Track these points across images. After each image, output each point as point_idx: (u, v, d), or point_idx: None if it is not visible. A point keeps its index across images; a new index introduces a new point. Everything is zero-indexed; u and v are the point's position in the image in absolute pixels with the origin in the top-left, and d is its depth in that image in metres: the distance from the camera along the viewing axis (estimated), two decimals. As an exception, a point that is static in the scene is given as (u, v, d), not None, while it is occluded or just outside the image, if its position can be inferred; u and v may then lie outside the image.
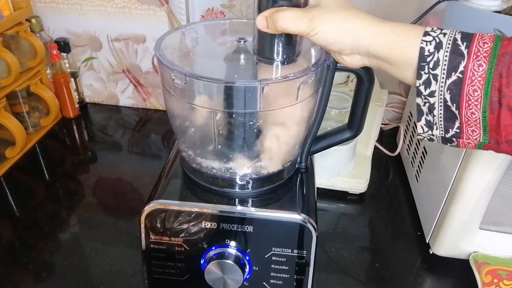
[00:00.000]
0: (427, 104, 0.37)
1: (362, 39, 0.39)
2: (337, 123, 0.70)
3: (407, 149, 0.82)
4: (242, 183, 0.51)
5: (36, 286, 0.58)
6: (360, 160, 0.77)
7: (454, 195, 0.57)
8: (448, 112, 0.36)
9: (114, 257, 0.62)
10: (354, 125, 0.53)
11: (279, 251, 0.50)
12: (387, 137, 0.92)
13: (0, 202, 0.72)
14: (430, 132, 0.39)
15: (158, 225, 0.50)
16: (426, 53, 0.36)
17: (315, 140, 0.54)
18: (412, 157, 0.78)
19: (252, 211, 0.49)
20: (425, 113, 0.38)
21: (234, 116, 0.46)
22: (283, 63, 0.45)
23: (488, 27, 0.54)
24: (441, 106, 0.37)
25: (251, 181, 0.51)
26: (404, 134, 0.85)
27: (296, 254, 0.50)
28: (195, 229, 0.50)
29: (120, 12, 0.87)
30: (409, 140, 0.81)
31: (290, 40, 0.44)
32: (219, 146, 0.49)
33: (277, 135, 0.48)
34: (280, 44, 0.43)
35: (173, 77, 0.44)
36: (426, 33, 0.36)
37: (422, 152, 0.72)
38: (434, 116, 0.37)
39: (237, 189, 0.51)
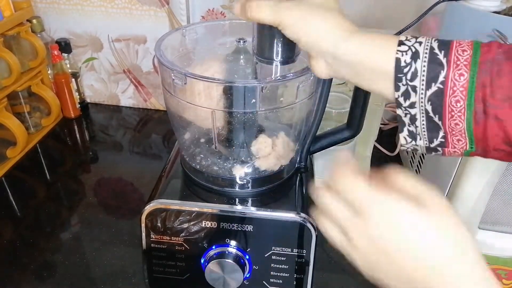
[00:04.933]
0: (408, 115, 0.36)
1: (328, 39, 0.36)
2: (336, 123, 0.70)
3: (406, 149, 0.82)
4: (242, 182, 0.51)
5: (37, 285, 0.58)
6: (359, 160, 0.78)
7: (453, 194, 0.57)
8: (431, 122, 0.35)
9: (115, 256, 0.62)
10: (353, 125, 0.54)
11: (279, 250, 0.50)
12: (386, 137, 0.92)
13: (1, 202, 0.72)
14: (413, 142, 0.37)
15: (159, 224, 0.50)
16: (403, 64, 0.34)
17: (315, 139, 0.54)
18: (411, 157, 0.78)
19: (252, 210, 0.49)
20: (407, 123, 0.36)
21: (233, 115, 0.46)
22: (282, 63, 0.45)
23: (487, 27, 0.54)
24: (423, 117, 0.35)
25: (251, 181, 0.51)
26: (404, 134, 0.85)
27: (296, 253, 0.50)
28: (196, 228, 0.50)
29: (121, 12, 0.87)
30: (409, 140, 0.81)
31: (290, 40, 0.44)
32: (219, 146, 0.49)
33: (276, 135, 0.49)
34: (280, 44, 0.43)
35: (173, 77, 0.44)
36: (400, 43, 0.34)
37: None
38: (416, 127, 0.36)
39: (237, 189, 0.52)
